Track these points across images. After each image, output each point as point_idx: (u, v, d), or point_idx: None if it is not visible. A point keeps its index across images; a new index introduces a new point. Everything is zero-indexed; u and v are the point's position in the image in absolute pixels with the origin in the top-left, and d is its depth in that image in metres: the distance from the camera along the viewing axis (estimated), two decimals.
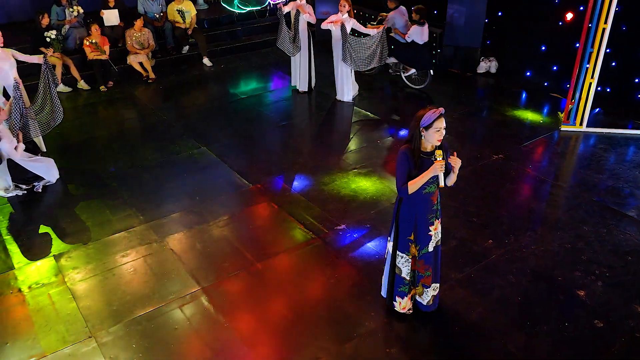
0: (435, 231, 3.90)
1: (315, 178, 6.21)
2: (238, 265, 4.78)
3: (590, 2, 6.57)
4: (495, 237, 5.11)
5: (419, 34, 8.24)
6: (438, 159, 3.50)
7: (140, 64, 9.32)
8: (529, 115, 7.90)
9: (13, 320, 4.22)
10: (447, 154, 3.64)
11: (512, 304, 4.30)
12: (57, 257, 4.90)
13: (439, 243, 3.99)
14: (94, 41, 8.77)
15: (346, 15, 7.88)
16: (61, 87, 8.76)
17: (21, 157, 5.79)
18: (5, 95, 6.37)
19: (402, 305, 4.10)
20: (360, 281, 4.58)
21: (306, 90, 8.79)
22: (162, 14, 9.96)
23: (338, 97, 8.48)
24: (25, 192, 5.93)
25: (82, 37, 9.02)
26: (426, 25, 8.32)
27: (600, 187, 5.94)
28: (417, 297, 4.14)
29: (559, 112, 7.73)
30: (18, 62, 6.44)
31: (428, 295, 4.09)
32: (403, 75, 8.95)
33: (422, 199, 3.71)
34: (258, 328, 4.12)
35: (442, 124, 3.47)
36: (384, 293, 4.23)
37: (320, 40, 9.78)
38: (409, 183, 3.58)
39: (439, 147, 3.57)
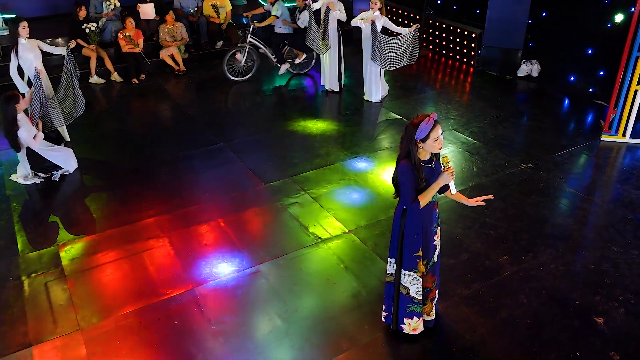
0: (438, 239, 3.66)
1: (330, 179, 6.00)
2: (235, 267, 4.64)
3: (639, 3, 6.04)
4: (512, 252, 4.75)
5: (308, 19, 8.46)
6: (447, 167, 3.26)
7: (172, 57, 9.38)
8: (569, 123, 7.40)
9: (9, 308, 4.24)
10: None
11: (519, 327, 3.95)
12: (61, 247, 4.93)
13: (439, 250, 3.74)
14: (128, 34, 8.89)
15: (377, 12, 7.62)
16: (95, 79, 8.95)
17: (40, 146, 5.88)
18: (30, 85, 6.49)
19: (413, 326, 3.74)
20: (358, 292, 4.34)
21: (336, 89, 8.58)
22: (197, 9, 10.01)
23: (366, 97, 8.23)
24: (43, 180, 6.02)
25: (118, 30, 9.16)
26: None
27: (638, 204, 5.44)
28: (426, 317, 3.86)
29: (601, 121, 7.19)
30: (43, 53, 6.55)
31: (434, 307, 3.84)
32: (289, 68, 9.24)
33: (428, 209, 3.45)
34: (245, 334, 3.97)
35: (439, 131, 3.20)
36: (389, 320, 3.85)
37: (357, 38, 9.55)
38: (420, 197, 3.32)
39: (437, 153, 3.35)
